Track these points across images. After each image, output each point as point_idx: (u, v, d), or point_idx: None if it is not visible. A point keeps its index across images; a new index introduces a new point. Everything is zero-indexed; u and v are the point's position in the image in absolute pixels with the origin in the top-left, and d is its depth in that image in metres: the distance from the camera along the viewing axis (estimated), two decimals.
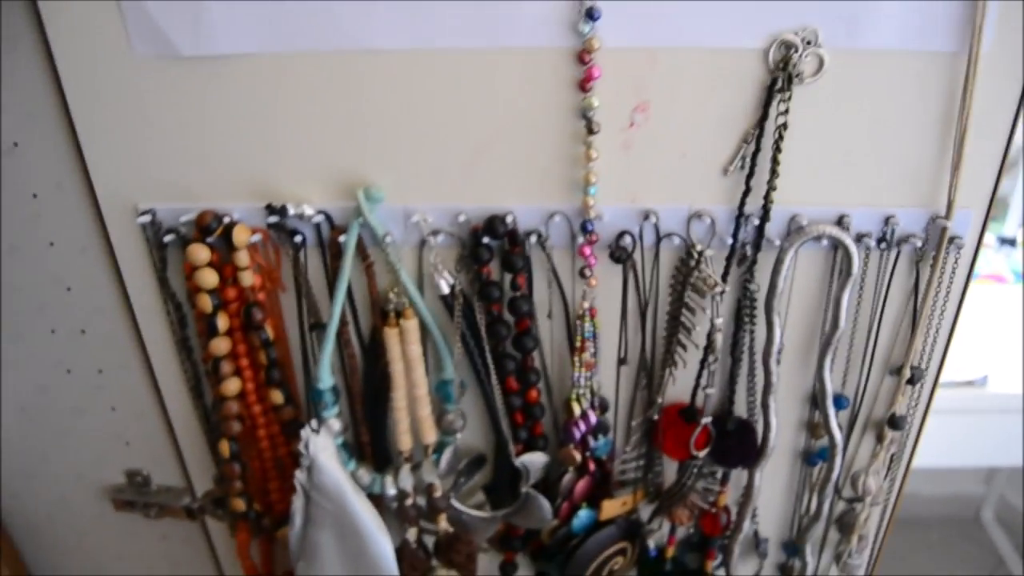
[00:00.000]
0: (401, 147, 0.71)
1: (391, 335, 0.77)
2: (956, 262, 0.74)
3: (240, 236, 0.74)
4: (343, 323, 0.79)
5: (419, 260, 0.77)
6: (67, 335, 0.88)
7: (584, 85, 0.66)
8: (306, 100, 0.70)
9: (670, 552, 0.93)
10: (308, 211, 0.74)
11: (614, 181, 0.71)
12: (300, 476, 0.81)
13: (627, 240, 0.74)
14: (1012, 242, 1.83)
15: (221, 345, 0.79)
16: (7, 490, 1.03)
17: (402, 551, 0.88)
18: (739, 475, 0.87)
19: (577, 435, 0.82)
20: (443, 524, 0.87)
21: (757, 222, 0.72)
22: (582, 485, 0.86)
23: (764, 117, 0.67)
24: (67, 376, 0.91)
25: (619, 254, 0.73)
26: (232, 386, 0.81)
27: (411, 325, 0.77)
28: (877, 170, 0.70)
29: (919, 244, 0.73)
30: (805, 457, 0.87)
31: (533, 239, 0.74)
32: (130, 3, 0.66)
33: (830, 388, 0.79)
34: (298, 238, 0.75)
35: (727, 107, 0.68)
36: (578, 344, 0.78)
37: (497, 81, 0.68)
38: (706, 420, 0.81)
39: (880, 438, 0.83)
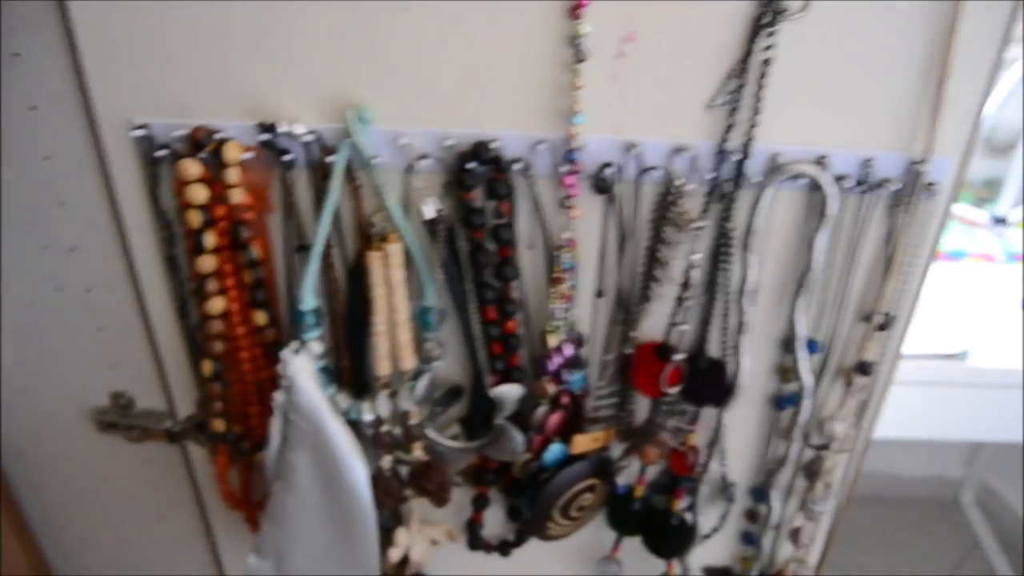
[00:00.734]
0: (392, 70, 0.72)
1: (374, 259, 0.79)
2: (931, 209, 0.75)
3: (231, 152, 0.75)
4: (328, 246, 0.81)
5: (406, 185, 0.78)
6: (58, 252, 0.89)
7: (575, 12, 0.67)
8: (301, 19, 0.71)
9: (639, 491, 0.95)
10: (299, 130, 0.75)
11: (600, 111, 0.72)
12: (279, 397, 0.82)
13: (610, 171, 0.75)
14: (1005, 221, 1.84)
15: (207, 262, 0.80)
16: None
17: (377, 478, 0.89)
18: (709, 417, 0.89)
19: (552, 368, 0.83)
20: (417, 452, 0.89)
21: (738, 159, 0.73)
22: (555, 419, 0.87)
23: (750, 52, 0.68)
24: (56, 294, 0.93)
25: (601, 185, 0.75)
26: (216, 305, 0.82)
27: (395, 249, 0.78)
28: (858, 112, 0.72)
29: (896, 188, 0.74)
30: (775, 401, 0.89)
31: (518, 167, 0.75)
32: None
33: (803, 332, 0.81)
34: (288, 157, 0.76)
35: (714, 40, 0.69)
36: (556, 275, 0.79)
37: (488, 6, 0.69)
38: (679, 357, 0.82)
39: (849, 384, 0.85)
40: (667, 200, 0.76)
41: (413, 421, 0.87)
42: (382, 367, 0.84)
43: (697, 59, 0.70)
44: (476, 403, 0.89)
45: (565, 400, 0.87)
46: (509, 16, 0.69)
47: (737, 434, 0.92)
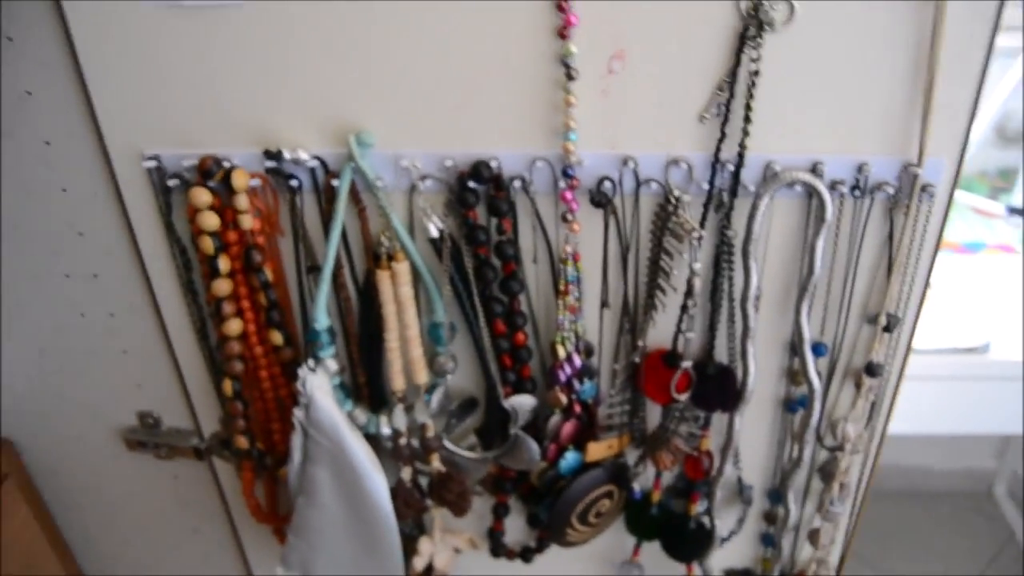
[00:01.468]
0: (391, 94, 0.74)
1: (383, 277, 0.81)
2: (930, 209, 0.76)
3: (239, 180, 0.77)
4: (338, 266, 0.83)
5: (409, 204, 0.80)
6: (81, 279, 0.92)
7: (563, 32, 0.69)
8: (302, 48, 0.73)
9: (656, 496, 0.96)
10: (303, 156, 0.77)
11: (594, 127, 0.74)
12: (298, 413, 0.85)
13: (607, 185, 0.76)
14: (1021, 212, 1.83)
15: (223, 286, 0.82)
16: (27, 430, 1.08)
17: (397, 489, 0.91)
18: (721, 421, 0.90)
19: (562, 377, 0.85)
20: (436, 463, 0.90)
21: (733, 169, 0.74)
22: (568, 428, 0.89)
23: (737, 65, 0.70)
24: (81, 319, 0.95)
25: (599, 199, 0.76)
26: (234, 326, 0.85)
27: (402, 268, 0.80)
28: (850, 118, 0.73)
29: (892, 192, 0.75)
30: (786, 404, 0.90)
31: (517, 184, 0.77)
32: None
33: (808, 335, 0.82)
34: (294, 182, 0.79)
35: (702, 55, 0.71)
36: (562, 288, 0.81)
37: (482, 29, 0.70)
38: (686, 364, 0.83)
39: (858, 385, 0.86)
40: (666, 211, 0.77)
41: (430, 433, 0.89)
42: (397, 382, 0.86)
43: (686, 73, 0.71)
44: (491, 414, 0.91)
45: (577, 409, 0.88)
46: (501, 38, 0.71)
47: (750, 437, 0.93)
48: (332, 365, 0.85)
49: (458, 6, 0.69)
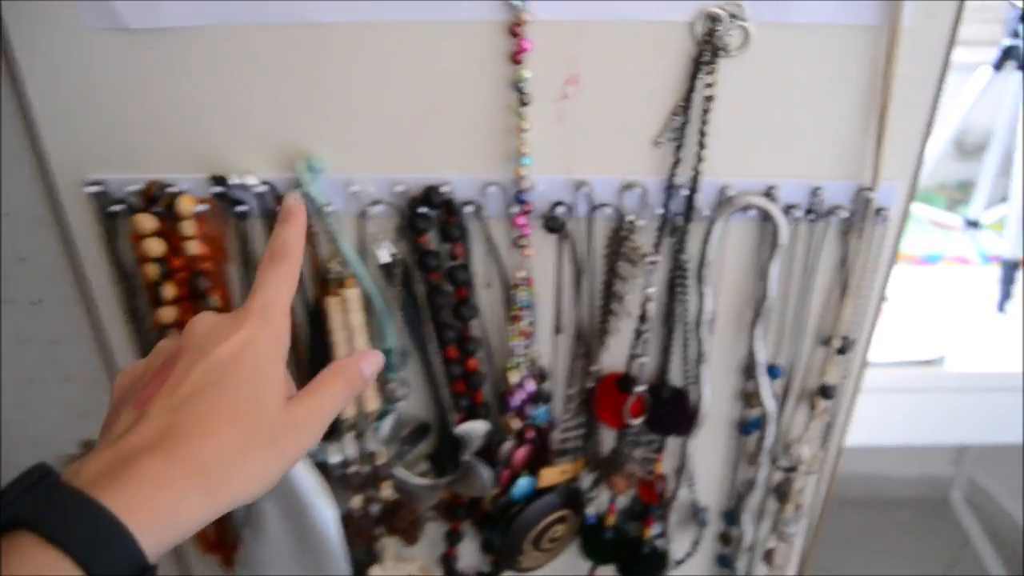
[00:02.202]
0: (341, 118, 0.73)
1: (333, 304, 0.79)
2: (883, 234, 0.76)
3: (185, 206, 0.75)
4: None
5: (360, 230, 0.78)
6: (22, 305, 0.89)
7: (516, 57, 0.68)
8: (249, 72, 0.71)
9: (611, 520, 0.95)
10: (251, 181, 0.75)
11: (548, 152, 0.73)
12: None
13: (561, 210, 0.75)
14: (977, 224, 1.85)
15: (168, 314, 0.80)
16: None
17: (347, 518, 0.90)
18: (676, 445, 0.89)
19: (515, 403, 0.83)
20: (386, 492, 0.89)
21: (687, 193, 0.74)
22: (521, 453, 0.87)
23: (691, 90, 0.69)
24: (22, 347, 0.93)
25: (552, 224, 0.75)
26: None
27: (352, 294, 0.79)
28: (804, 143, 0.72)
29: (846, 216, 0.75)
30: (740, 427, 0.89)
31: (469, 209, 0.75)
32: None
33: (763, 358, 0.81)
34: (242, 208, 0.77)
35: (657, 79, 0.70)
36: (515, 313, 0.80)
37: (433, 53, 0.69)
38: (640, 389, 0.82)
39: (813, 407, 0.85)
40: (619, 236, 0.76)
41: (380, 461, 0.87)
42: (346, 409, 0.84)
43: (640, 98, 0.70)
44: (443, 440, 0.89)
45: (531, 434, 0.87)
46: (453, 62, 0.69)
47: (705, 460, 0.92)
48: None
49: (409, 29, 0.68)
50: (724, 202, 0.74)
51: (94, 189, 0.76)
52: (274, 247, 0.55)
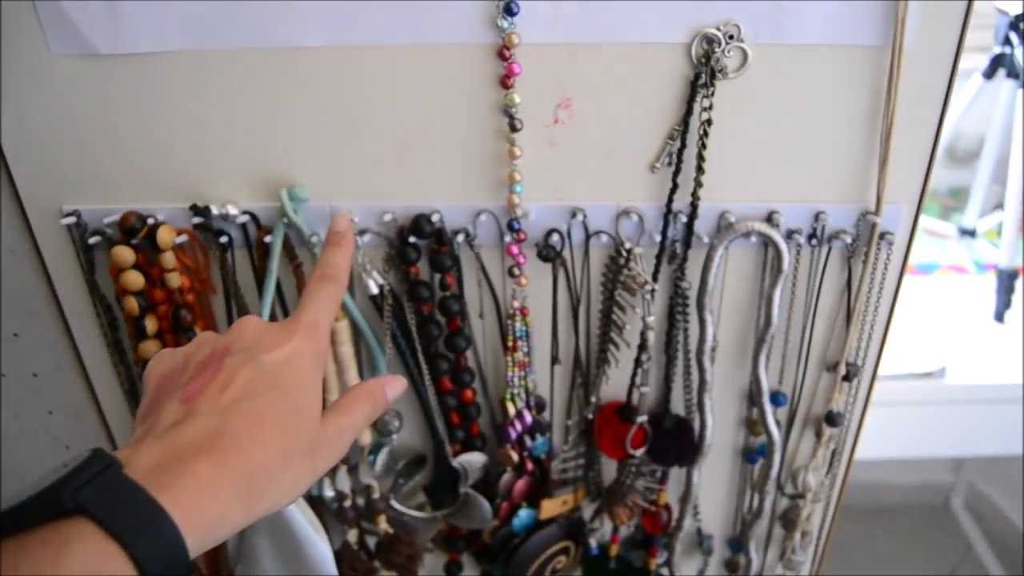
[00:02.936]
0: (325, 146, 0.70)
1: None
2: (888, 257, 0.73)
3: (164, 237, 0.73)
4: None
5: None
6: (1, 339, 0.87)
7: (505, 81, 0.65)
8: (229, 98, 0.69)
9: (614, 550, 0.93)
10: (233, 211, 0.72)
11: (540, 178, 0.70)
12: None
13: (555, 238, 0.73)
14: (972, 233, 1.83)
15: (151, 348, 0.77)
16: None
17: (343, 552, 0.87)
18: (679, 473, 0.87)
19: (513, 435, 0.81)
20: (382, 525, 0.86)
21: (686, 219, 0.71)
22: (521, 485, 0.85)
23: (689, 113, 0.67)
24: (2, 380, 0.90)
25: (547, 252, 0.73)
26: None
27: (341, 326, 0.76)
28: (805, 166, 0.70)
29: (850, 240, 0.72)
30: (745, 454, 0.87)
31: (461, 238, 0.73)
32: (45, 2, 0.65)
33: (766, 385, 0.79)
34: (224, 239, 0.74)
35: (652, 103, 0.67)
36: (510, 344, 0.77)
37: (420, 78, 0.67)
38: (642, 419, 0.80)
39: (819, 435, 0.83)
40: (617, 263, 0.74)
41: (375, 495, 0.85)
42: None
43: (636, 121, 0.68)
44: (440, 472, 0.87)
45: (530, 466, 0.85)
46: (441, 87, 0.67)
47: (710, 488, 0.90)
48: None
49: (394, 53, 0.66)
50: (724, 228, 0.71)
51: (69, 220, 0.74)
52: (324, 268, 0.60)
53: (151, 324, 0.76)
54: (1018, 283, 1.67)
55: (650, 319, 0.74)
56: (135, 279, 0.74)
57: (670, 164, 0.69)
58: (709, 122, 0.67)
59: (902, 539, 2.38)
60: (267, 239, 0.73)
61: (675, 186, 0.69)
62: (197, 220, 0.73)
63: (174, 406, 0.47)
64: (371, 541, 0.90)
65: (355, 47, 0.66)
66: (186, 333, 0.77)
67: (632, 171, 0.70)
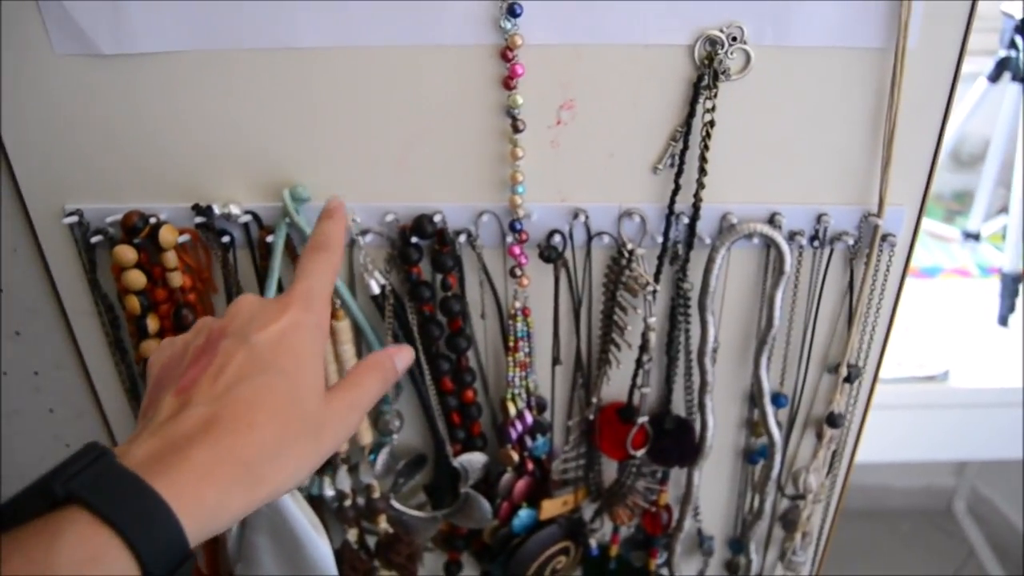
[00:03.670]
0: (328, 146, 0.70)
1: None
2: (890, 259, 0.73)
3: (167, 237, 0.73)
4: None
5: (349, 260, 0.76)
6: (2, 337, 0.87)
7: (508, 83, 0.65)
8: (232, 98, 0.69)
9: (614, 551, 0.93)
10: (235, 211, 0.72)
11: (543, 179, 0.70)
12: None
13: (557, 239, 0.73)
14: (976, 236, 1.83)
15: (152, 347, 0.77)
16: None
17: (343, 552, 0.87)
18: (679, 474, 0.87)
19: (513, 435, 0.81)
20: (383, 525, 0.86)
21: (688, 220, 0.71)
22: (521, 485, 0.85)
23: (691, 114, 0.67)
24: (3, 378, 0.90)
25: (549, 253, 0.73)
26: None
27: (343, 326, 0.76)
28: (808, 168, 0.70)
29: (852, 242, 0.72)
30: (746, 455, 0.87)
31: (463, 238, 0.73)
32: (48, 2, 0.65)
33: (767, 386, 0.79)
34: (226, 238, 0.74)
35: (655, 104, 0.67)
36: (512, 344, 0.77)
37: (423, 79, 0.67)
38: (643, 419, 0.80)
39: (820, 436, 0.83)
40: (619, 264, 0.74)
41: (376, 494, 0.85)
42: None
43: (638, 123, 0.68)
44: (440, 471, 0.87)
45: (530, 466, 0.85)
46: (444, 88, 0.67)
47: (710, 489, 0.90)
48: None
49: (397, 54, 0.66)
50: (726, 229, 0.71)
51: (72, 220, 0.74)
52: (315, 239, 0.58)
53: (152, 323, 0.76)
54: (1022, 287, 1.66)
55: (651, 320, 0.74)
56: (137, 278, 0.74)
57: (672, 165, 0.69)
58: (712, 124, 0.66)
59: (904, 542, 2.38)
60: (269, 239, 0.73)
61: (677, 187, 0.69)
62: (199, 220, 0.73)
63: (170, 399, 0.46)
64: (371, 541, 0.90)
65: (358, 48, 0.66)
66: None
67: (634, 172, 0.70)
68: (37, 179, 0.73)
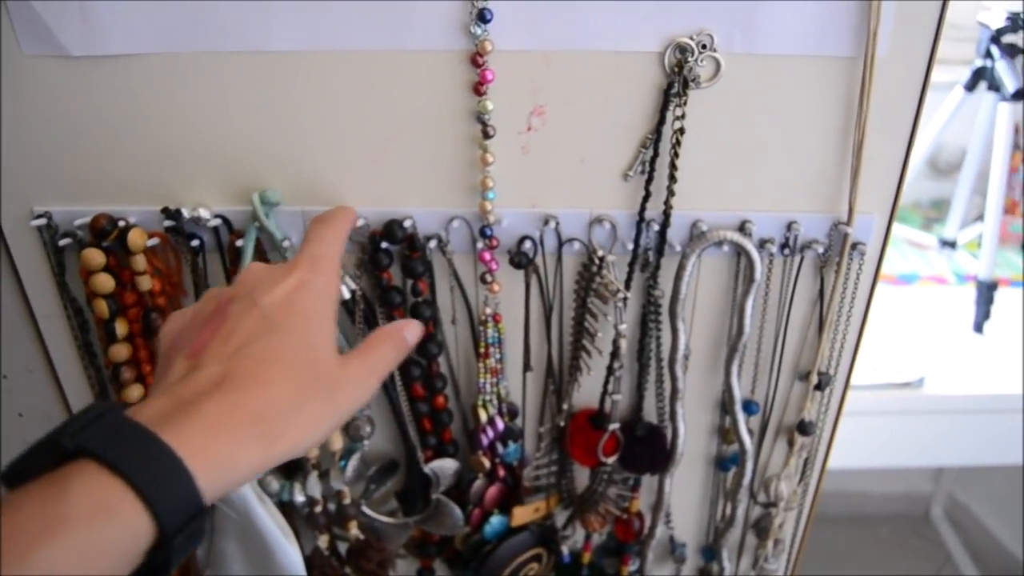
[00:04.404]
0: (298, 150, 0.70)
1: None
2: (860, 267, 0.74)
3: (136, 240, 0.72)
4: None
5: None
6: None
7: (478, 88, 0.65)
8: (201, 101, 0.68)
9: (586, 558, 0.93)
10: (204, 215, 0.72)
11: (513, 185, 0.70)
12: None
13: (528, 245, 0.73)
14: (953, 244, 1.84)
15: (121, 351, 0.77)
16: None
17: (313, 558, 0.87)
18: (651, 481, 0.87)
19: (485, 441, 0.81)
20: (354, 531, 0.86)
21: (658, 228, 0.71)
22: (493, 492, 0.85)
23: (662, 121, 0.67)
24: None
25: (519, 259, 0.72)
26: (134, 393, 0.79)
27: None
28: (778, 176, 0.70)
29: (822, 250, 0.72)
30: (718, 462, 0.87)
31: (433, 244, 0.73)
32: (16, 2, 0.64)
33: (738, 394, 0.79)
34: (196, 242, 0.74)
35: (625, 111, 0.67)
36: (483, 350, 0.77)
37: (393, 84, 0.67)
38: (614, 426, 0.80)
39: (791, 443, 0.83)
40: (590, 271, 0.74)
41: (346, 500, 0.84)
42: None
43: (609, 130, 0.68)
44: (411, 478, 0.86)
45: (502, 472, 0.84)
46: (414, 93, 0.67)
47: (682, 496, 0.90)
48: None
49: (367, 58, 0.65)
50: (697, 236, 0.71)
51: (40, 222, 0.73)
52: (320, 216, 0.60)
53: (121, 327, 0.76)
54: (997, 295, 1.67)
55: (622, 327, 0.74)
56: (105, 282, 0.73)
57: (643, 172, 0.69)
58: (682, 131, 0.67)
59: (882, 548, 2.39)
60: (239, 243, 0.73)
61: (648, 194, 0.69)
62: (168, 223, 0.72)
63: (181, 362, 0.47)
64: (342, 547, 0.90)
65: (328, 52, 0.65)
66: (157, 337, 0.77)
67: (605, 179, 0.70)
68: (5, 181, 0.73)
